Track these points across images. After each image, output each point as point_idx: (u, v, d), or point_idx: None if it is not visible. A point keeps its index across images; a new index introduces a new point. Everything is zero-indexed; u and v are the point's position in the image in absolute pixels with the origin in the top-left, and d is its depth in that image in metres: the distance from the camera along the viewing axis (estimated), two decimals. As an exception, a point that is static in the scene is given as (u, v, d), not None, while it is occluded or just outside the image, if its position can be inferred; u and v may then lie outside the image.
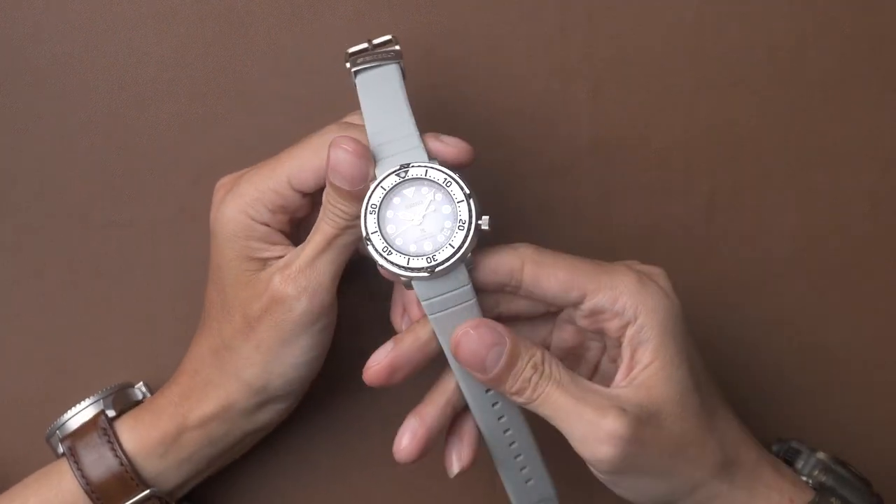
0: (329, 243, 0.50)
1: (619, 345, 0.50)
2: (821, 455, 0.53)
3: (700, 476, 0.48)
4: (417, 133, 0.49)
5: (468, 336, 0.47)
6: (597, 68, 0.61)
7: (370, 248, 0.48)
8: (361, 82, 0.50)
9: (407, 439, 0.50)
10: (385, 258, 0.48)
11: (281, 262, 0.51)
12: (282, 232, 0.52)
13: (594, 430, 0.46)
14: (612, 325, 0.49)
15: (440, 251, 0.47)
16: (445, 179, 0.48)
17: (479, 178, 0.60)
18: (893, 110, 0.61)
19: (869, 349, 0.62)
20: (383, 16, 0.61)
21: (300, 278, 0.50)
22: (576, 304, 0.49)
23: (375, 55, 0.51)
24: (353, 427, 0.61)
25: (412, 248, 0.48)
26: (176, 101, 0.60)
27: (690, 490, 0.48)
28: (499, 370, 0.47)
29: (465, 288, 0.48)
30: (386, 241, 0.48)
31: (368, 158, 0.48)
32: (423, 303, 0.48)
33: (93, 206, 0.60)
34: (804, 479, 0.52)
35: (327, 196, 0.49)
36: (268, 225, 0.51)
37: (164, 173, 0.60)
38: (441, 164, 0.49)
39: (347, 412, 0.61)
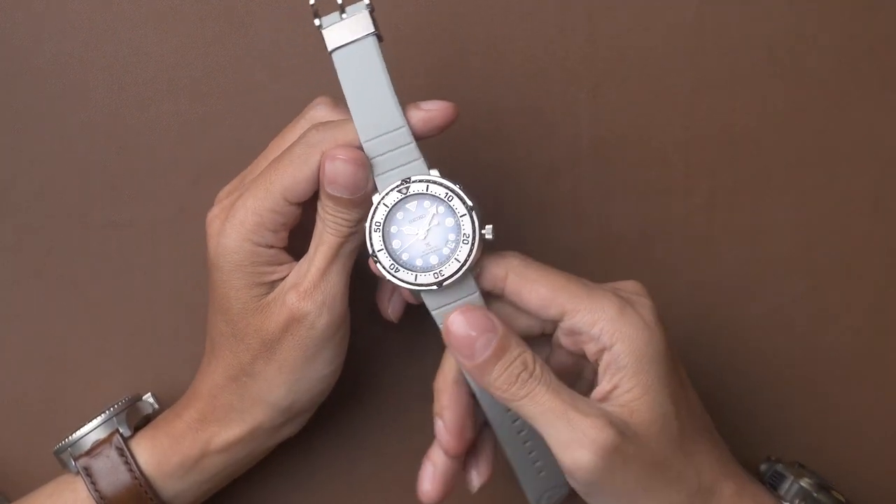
0: (336, 253, 0.50)
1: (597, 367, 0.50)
2: (804, 482, 0.53)
3: (676, 501, 0.48)
4: (414, 141, 0.49)
5: (460, 317, 0.47)
6: (597, 68, 0.61)
7: (378, 266, 0.49)
8: (340, 63, 0.49)
9: (428, 483, 0.52)
10: (393, 275, 0.49)
11: (288, 280, 0.50)
12: (284, 249, 0.51)
13: (578, 435, 0.46)
14: (589, 349, 0.49)
15: (447, 266, 0.48)
16: (447, 194, 0.48)
17: (479, 178, 0.60)
18: (893, 110, 0.61)
19: (868, 349, 0.62)
20: (383, 16, 0.60)
21: (316, 293, 0.50)
22: (554, 321, 0.49)
23: (348, 20, 0.49)
24: (350, 426, 0.61)
25: (418, 263, 0.49)
26: (176, 101, 0.60)
27: None
28: (487, 356, 0.47)
29: (474, 296, 0.50)
30: (392, 257, 0.49)
31: (366, 164, 0.48)
32: (432, 312, 0.49)
33: (93, 206, 0.60)
34: None
35: (324, 207, 0.49)
36: (272, 246, 0.50)
37: (164, 173, 0.60)
38: (422, 129, 0.49)
39: (345, 412, 0.61)
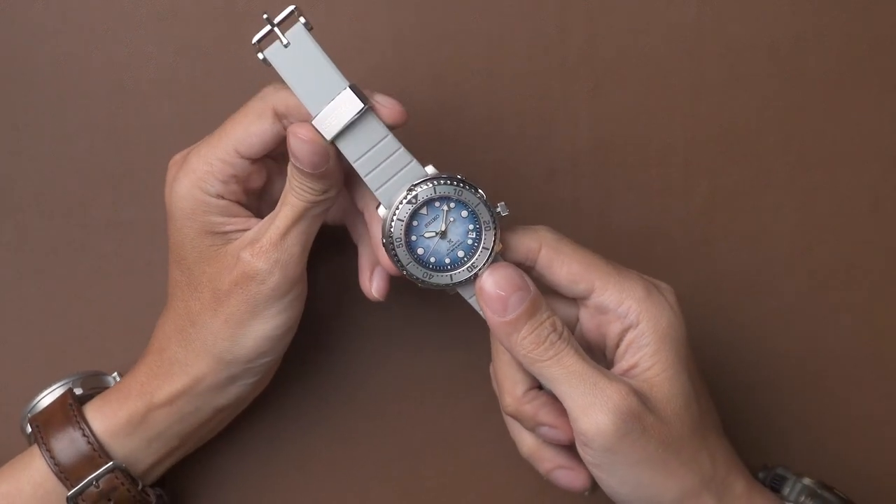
0: (299, 216, 0.50)
1: (616, 349, 0.50)
2: (807, 481, 0.53)
3: (690, 484, 0.48)
4: (402, 147, 0.49)
5: (496, 274, 0.48)
6: (597, 68, 0.61)
7: (413, 279, 0.50)
8: (293, 80, 0.48)
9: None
10: (428, 283, 0.50)
11: (248, 236, 0.51)
12: (239, 203, 0.52)
13: (600, 399, 0.46)
14: (613, 329, 0.49)
15: (476, 256, 0.49)
16: (455, 189, 0.49)
17: (479, 178, 0.60)
18: (893, 110, 0.61)
19: (868, 349, 0.62)
20: (383, 16, 0.60)
21: (271, 252, 0.50)
22: (581, 298, 0.50)
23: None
24: (350, 426, 0.61)
25: (447, 262, 0.49)
26: (176, 101, 0.60)
27: (679, 497, 0.48)
28: (519, 313, 0.48)
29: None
30: (422, 266, 0.49)
31: (323, 146, 0.48)
32: (469, 300, 0.50)
33: (93, 206, 0.60)
34: None
35: (292, 172, 0.50)
36: (223, 197, 0.51)
37: (164, 173, 0.60)
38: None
39: (343, 411, 0.61)
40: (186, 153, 0.52)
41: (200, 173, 0.51)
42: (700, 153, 0.61)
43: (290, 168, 0.50)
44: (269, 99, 0.50)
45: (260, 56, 0.49)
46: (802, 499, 0.53)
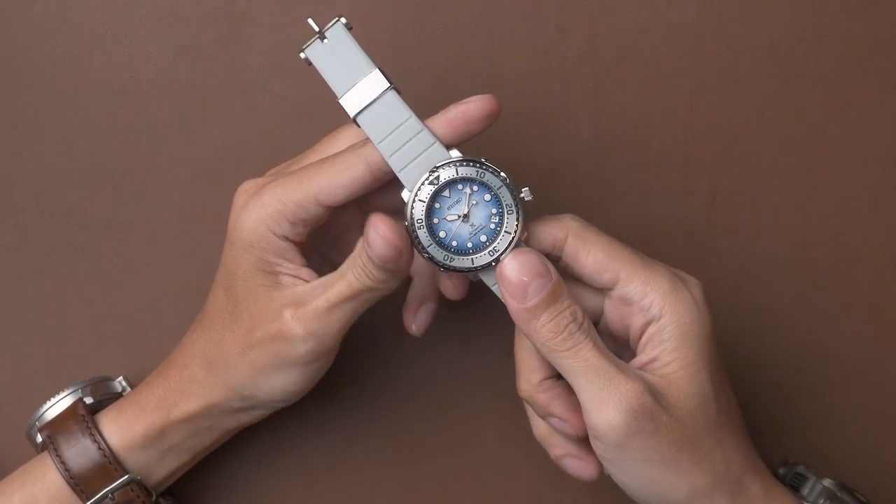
0: (352, 296, 0.50)
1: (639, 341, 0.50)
2: (827, 482, 0.53)
3: (701, 484, 0.48)
4: (426, 128, 0.49)
5: (517, 259, 0.48)
6: (597, 68, 0.61)
7: (433, 263, 0.49)
8: (318, 61, 0.49)
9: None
10: (449, 266, 0.49)
11: (298, 293, 0.50)
12: (300, 245, 0.51)
13: (614, 395, 0.46)
14: (636, 321, 0.49)
15: (499, 240, 0.49)
16: (478, 171, 0.48)
17: (479, 178, 0.60)
18: (893, 110, 0.61)
19: (869, 349, 0.62)
20: (383, 16, 0.60)
21: (312, 321, 0.50)
22: (606, 289, 0.50)
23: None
24: (350, 427, 0.61)
25: (469, 246, 0.49)
26: (176, 101, 0.60)
27: (690, 496, 0.48)
28: (538, 300, 0.47)
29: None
30: (444, 248, 0.49)
31: (401, 248, 0.48)
32: (493, 287, 0.50)
33: (93, 206, 0.60)
34: None
35: (360, 252, 0.49)
36: (287, 238, 0.50)
37: (164, 173, 0.60)
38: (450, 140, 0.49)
39: (344, 412, 0.61)
40: (259, 184, 0.51)
41: (271, 211, 0.50)
42: (700, 153, 0.61)
43: (360, 245, 0.49)
44: (364, 153, 0.49)
45: (302, 56, 0.49)
46: (821, 501, 0.52)
